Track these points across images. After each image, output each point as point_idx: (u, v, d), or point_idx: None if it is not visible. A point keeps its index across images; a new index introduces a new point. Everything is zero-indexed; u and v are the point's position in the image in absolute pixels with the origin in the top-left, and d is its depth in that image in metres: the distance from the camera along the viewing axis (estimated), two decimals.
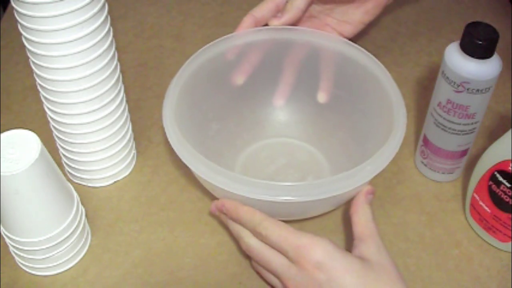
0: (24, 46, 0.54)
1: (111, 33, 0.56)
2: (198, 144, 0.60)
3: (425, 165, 0.64)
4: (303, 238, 0.47)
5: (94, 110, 0.57)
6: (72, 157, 0.61)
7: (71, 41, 0.51)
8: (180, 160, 0.55)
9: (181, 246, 0.59)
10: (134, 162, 0.66)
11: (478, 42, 0.54)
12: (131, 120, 0.65)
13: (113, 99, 0.58)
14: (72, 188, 0.56)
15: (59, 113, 0.57)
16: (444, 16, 0.86)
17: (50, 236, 0.53)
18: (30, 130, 0.51)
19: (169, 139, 0.56)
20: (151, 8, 0.87)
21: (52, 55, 0.52)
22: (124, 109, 0.62)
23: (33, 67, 0.55)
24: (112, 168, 0.63)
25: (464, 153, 0.62)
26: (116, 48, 0.58)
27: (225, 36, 0.64)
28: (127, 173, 0.65)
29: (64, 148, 0.61)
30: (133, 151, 0.66)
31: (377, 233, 0.50)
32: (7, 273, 0.57)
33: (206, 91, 0.64)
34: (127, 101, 0.62)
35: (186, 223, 0.61)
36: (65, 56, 0.52)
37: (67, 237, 0.54)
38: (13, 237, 0.53)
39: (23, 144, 0.49)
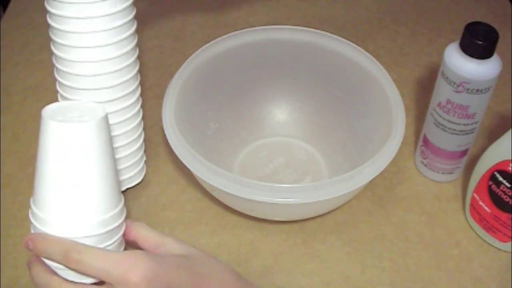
0: (48, 25, 0.52)
1: (135, 23, 0.55)
2: (197, 143, 0.60)
3: (425, 165, 0.64)
4: (121, 253, 0.42)
5: (115, 99, 0.55)
6: None
7: (96, 17, 0.50)
8: (180, 160, 0.55)
9: None
10: (144, 171, 0.64)
11: (478, 42, 0.54)
12: None
13: (133, 91, 0.57)
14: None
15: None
16: (444, 16, 0.86)
17: (105, 218, 0.44)
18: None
19: (169, 141, 0.56)
20: (151, 8, 0.87)
21: (74, 30, 0.50)
22: (140, 109, 0.60)
23: (53, 48, 0.53)
24: (125, 172, 0.61)
25: (464, 153, 0.62)
26: (136, 24, 0.57)
27: (224, 36, 0.64)
28: (139, 180, 0.63)
29: None
30: (144, 158, 0.64)
31: (163, 234, 0.46)
32: (8, 273, 0.57)
33: (205, 91, 0.64)
34: None
35: (186, 223, 0.61)
36: (87, 33, 0.51)
37: (118, 226, 0.46)
38: (56, 222, 0.44)
39: (86, 109, 0.45)
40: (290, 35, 0.65)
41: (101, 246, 0.45)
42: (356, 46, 0.63)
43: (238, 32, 0.64)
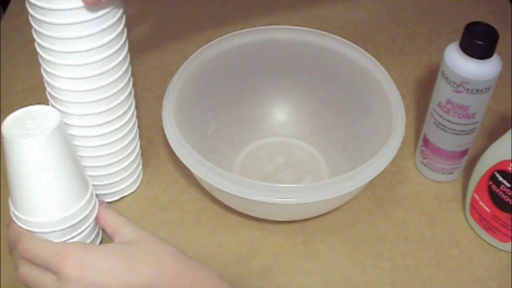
0: (38, 54, 0.53)
1: (127, 45, 0.55)
2: (197, 143, 0.60)
3: (425, 165, 0.64)
4: (59, 244, 0.47)
5: (105, 123, 0.56)
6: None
7: (88, 50, 0.50)
8: (180, 160, 0.55)
9: (181, 246, 0.59)
10: (140, 179, 0.65)
11: (478, 42, 0.54)
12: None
13: (124, 113, 0.57)
14: (85, 170, 0.54)
15: (69, 125, 0.56)
16: (444, 16, 0.86)
17: (66, 215, 0.50)
18: None
19: (169, 141, 0.56)
20: (151, 8, 0.87)
21: (66, 63, 0.51)
22: (135, 123, 0.60)
23: (44, 74, 0.54)
24: (119, 184, 0.62)
25: (464, 153, 0.62)
26: (128, 45, 0.57)
27: (224, 36, 0.64)
28: (134, 188, 0.64)
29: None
30: (141, 167, 0.64)
31: (129, 221, 0.49)
32: (8, 273, 0.57)
33: (205, 91, 0.64)
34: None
35: (186, 223, 0.61)
36: (80, 65, 0.51)
37: (83, 219, 0.51)
38: (24, 217, 0.50)
39: (41, 116, 0.48)
40: (290, 35, 0.65)
41: (65, 238, 0.51)
42: (356, 46, 0.63)
43: (238, 32, 0.64)
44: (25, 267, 0.47)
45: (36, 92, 0.73)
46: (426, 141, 0.63)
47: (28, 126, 0.47)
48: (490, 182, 0.57)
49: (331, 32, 0.64)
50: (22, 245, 0.47)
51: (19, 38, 0.82)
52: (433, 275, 0.57)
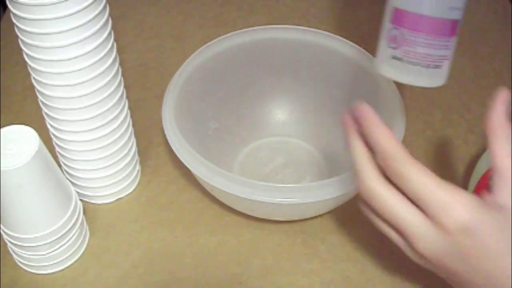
0: (26, 63, 0.53)
1: (115, 49, 0.55)
2: (197, 143, 0.60)
3: (400, 59, 0.48)
4: (448, 193, 0.39)
5: (96, 128, 0.56)
6: (74, 173, 0.60)
7: (73, 58, 0.50)
8: (180, 160, 0.55)
9: (181, 246, 0.59)
10: (137, 181, 0.65)
11: None
12: (131, 117, 0.65)
13: (116, 116, 0.57)
14: (69, 183, 0.56)
15: (62, 130, 0.56)
16: None
17: (53, 229, 0.53)
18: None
19: (169, 141, 0.56)
20: (151, 8, 0.87)
21: (54, 72, 0.51)
22: (128, 125, 0.60)
23: (35, 83, 0.54)
24: (115, 186, 0.62)
25: (453, 27, 0.48)
26: (116, 49, 0.57)
27: (224, 36, 0.64)
28: (131, 190, 0.64)
29: (66, 165, 0.60)
30: (138, 168, 0.64)
31: None
32: (7, 273, 0.57)
33: (205, 91, 0.65)
34: (128, 102, 0.62)
35: (186, 223, 0.61)
36: (68, 73, 0.51)
37: (69, 229, 0.55)
38: (15, 235, 0.53)
39: (21, 139, 0.49)
40: (290, 34, 0.65)
41: (54, 248, 0.54)
42: (356, 46, 0.63)
43: (238, 32, 0.64)
44: (381, 187, 0.42)
45: (36, 92, 0.73)
46: (399, 14, 0.47)
47: (9, 151, 0.48)
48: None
49: (331, 32, 0.64)
50: (402, 170, 0.40)
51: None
52: (434, 275, 0.57)
